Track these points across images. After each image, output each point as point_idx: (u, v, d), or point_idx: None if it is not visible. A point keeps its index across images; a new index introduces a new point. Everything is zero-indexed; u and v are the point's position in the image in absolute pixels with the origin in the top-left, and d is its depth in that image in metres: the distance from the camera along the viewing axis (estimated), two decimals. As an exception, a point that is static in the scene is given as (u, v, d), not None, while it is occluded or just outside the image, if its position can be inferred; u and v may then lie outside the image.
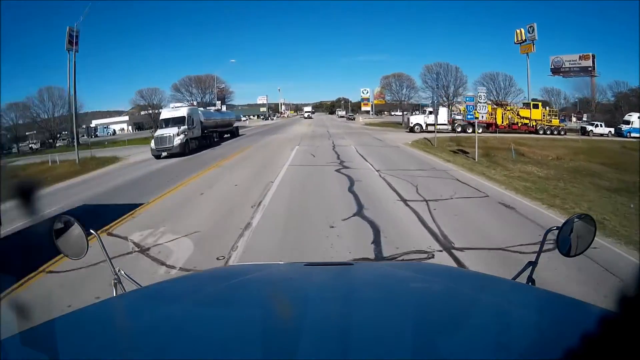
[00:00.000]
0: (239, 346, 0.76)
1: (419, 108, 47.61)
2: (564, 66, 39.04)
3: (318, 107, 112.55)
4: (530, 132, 31.41)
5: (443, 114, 30.69)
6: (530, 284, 1.21)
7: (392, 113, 75.68)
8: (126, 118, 59.30)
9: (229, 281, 1.25)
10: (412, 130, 31.22)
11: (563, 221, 1.28)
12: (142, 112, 52.54)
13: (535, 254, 1.27)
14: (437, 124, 28.84)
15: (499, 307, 0.96)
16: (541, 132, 31.50)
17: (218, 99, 46.40)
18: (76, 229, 1.27)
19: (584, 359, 0.59)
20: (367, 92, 70.77)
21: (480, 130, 28.11)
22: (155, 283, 1.34)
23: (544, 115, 32.63)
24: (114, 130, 56.06)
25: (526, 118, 32.32)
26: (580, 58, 38.99)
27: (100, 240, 1.31)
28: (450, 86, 45.08)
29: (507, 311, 0.93)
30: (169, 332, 0.84)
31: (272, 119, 77.63)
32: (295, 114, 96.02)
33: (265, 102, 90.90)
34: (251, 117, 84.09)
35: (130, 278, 1.33)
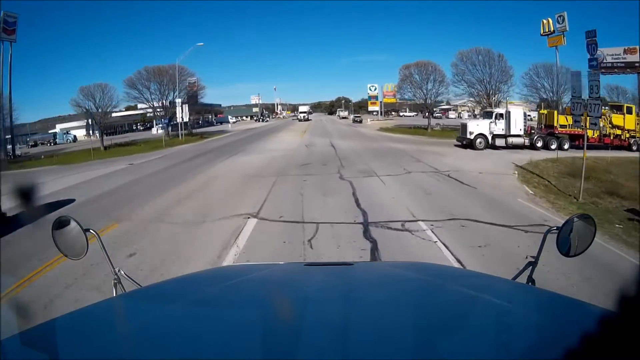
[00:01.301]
0: (239, 346, 0.76)
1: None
2: (605, 61, 31.37)
3: (316, 107, 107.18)
4: (621, 147, 21.48)
5: (519, 120, 20.83)
6: (530, 284, 1.22)
7: (401, 114, 66.89)
8: (82, 123, 44.87)
9: (229, 281, 1.25)
10: (470, 145, 20.21)
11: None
12: (115, 114, 42.52)
13: (535, 254, 1.27)
14: (510, 135, 20.26)
15: (499, 307, 0.96)
16: (634, 147, 21.83)
17: (188, 96, 37.31)
18: (75, 229, 1.27)
19: (584, 359, 0.59)
20: (375, 89, 58.70)
21: (567, 147, 19.95)
22: (155, 283, 1.34)
23: (637, 124, 22.96)
24: (75, 136, 44.93)
25: (618, 127, 22.55)
26: (625, 52, 31.63)
27: (100, 239, 1.31)
28: (492, 80, 33.36)
29: (507, 311, 0.93)
30: (169, 332, 0.84)
31: (266, 121, 71.07)
32: (293, 114, 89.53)
33: (257, 101, 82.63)
34: (244, 117, 79.65)
35: (130, 278, 1.34)
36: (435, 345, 0.75)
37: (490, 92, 33.28)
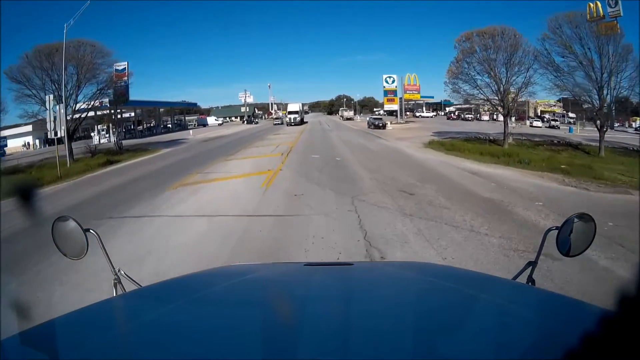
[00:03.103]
0: (239, 346, 0.76)
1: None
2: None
3: (314, 107, 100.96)
4: None
5: None
6: (530, 284, 1.22)
7: (417, 114, 54.10)
8: (29, 128, 31.28)
9: (229, 281, 1.26)
10: None
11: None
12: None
13: (535, 254, 1.27)
14: None
15: (499, 307, 0.96)
16: None
17: (114, 92, 25.58)
18: (75, 229, 1.27)
19: (584, 359, 0.59)
20: (394, 81, 42.72)
21: None
22: (155, 283, 1.34)
23: None
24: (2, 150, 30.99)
25: None
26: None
27: (100, 239, 1.31)
28: (605, 64, 18.70)
29: (507, 311, 0.93)
30: (169, 332, 0.84)
31: (256, 122, 60.09)
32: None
33: (245, 100, 67.54)
34: (233, 118, 72.88)
35: (130, 278, 1.34)
36: (436, 345, 0.75)
37: (603, 87, 18.83)
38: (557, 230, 1.24)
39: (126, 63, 27.85)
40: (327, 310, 0.93)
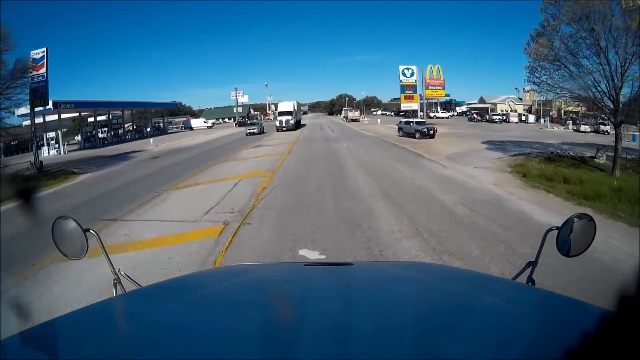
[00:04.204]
0: (239, 346, 0.76)
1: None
2: None
3: (315, 107, 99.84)
4: None
5: None
6: (530, 284, 1.22)
7: (433, 115, 44.96)
8: None
9: (229, 281, 1.25)
10: None
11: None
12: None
13: (535, 254, 1.26)
14: None
15: (499, 307, 0.96)
16: None
17: (30, 89, 18.35)
18: (75, 229, 1.27)
19: (584, 359, 0.59)
20: (412, 74, 36.03)
21: None
22: (155, 283, 1.34)
23: None
24: None
25: None
26: None
27: (100, 239, 1.30)
28: None
29: (507, 311, 0.93)
30: (169, 332, 0.84)
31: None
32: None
33: (236, 98, 60.74)
34: (226, 120, 69.95)
35: (130, 278, 1.34)
36: (436, 345, 0.75)
37: None
38: (557, 230, 1.23)
39: (44, 49, 19.47)
40: (327, 310, 0.93)
